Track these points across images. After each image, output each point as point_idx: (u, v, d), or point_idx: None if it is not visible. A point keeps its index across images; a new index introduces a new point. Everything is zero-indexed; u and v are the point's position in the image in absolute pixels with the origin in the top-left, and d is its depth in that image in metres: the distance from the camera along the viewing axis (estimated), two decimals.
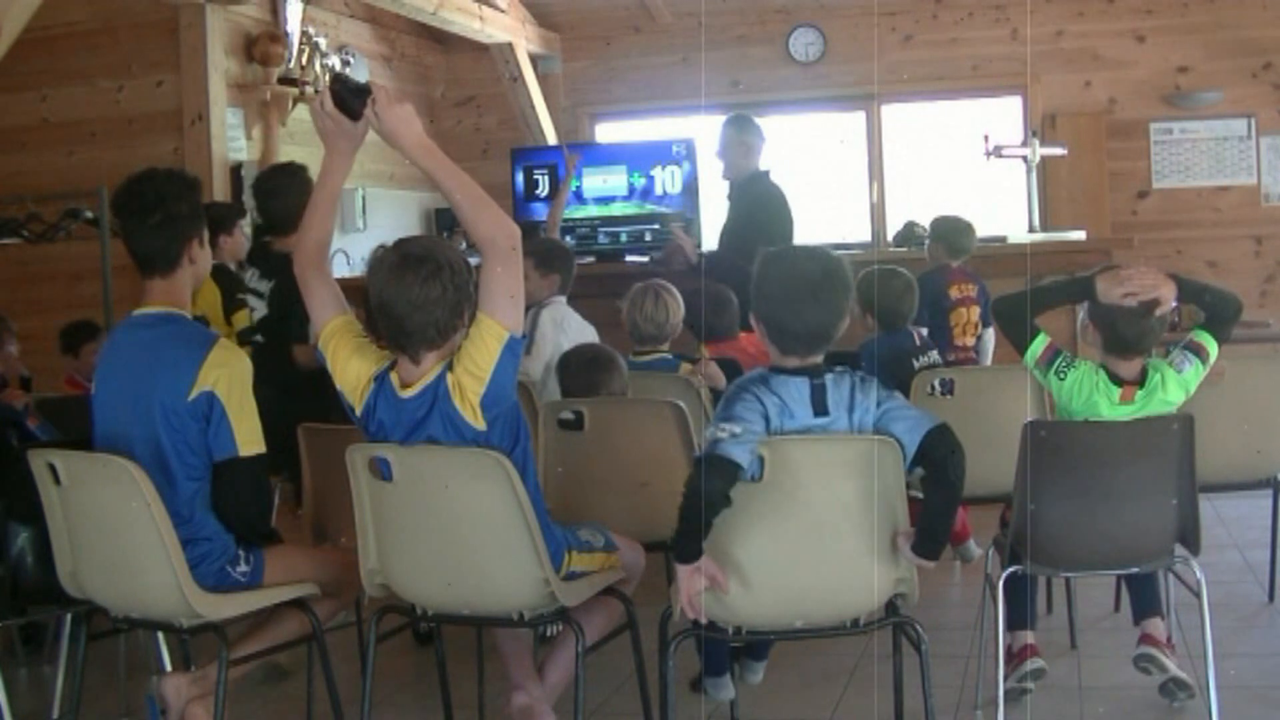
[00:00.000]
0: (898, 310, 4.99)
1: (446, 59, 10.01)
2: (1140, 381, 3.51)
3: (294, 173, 5.00)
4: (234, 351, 3.29)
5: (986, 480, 4.26)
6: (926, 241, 6.14)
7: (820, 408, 2.91)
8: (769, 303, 2.97)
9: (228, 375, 3.21)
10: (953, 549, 5.21)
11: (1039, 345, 3.58)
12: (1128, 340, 3.50)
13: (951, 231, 5.92)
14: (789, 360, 2.96)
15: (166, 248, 3.30)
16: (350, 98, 3.07)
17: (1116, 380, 3.51)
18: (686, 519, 2.85)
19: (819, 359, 2.97)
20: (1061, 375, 3.54)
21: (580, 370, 4.23)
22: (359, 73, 8.65)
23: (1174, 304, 3.72)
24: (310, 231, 3.24)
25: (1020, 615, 3.74)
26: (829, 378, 2.94)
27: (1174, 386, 3.52)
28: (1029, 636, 3.75)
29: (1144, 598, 3.77)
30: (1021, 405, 4.34)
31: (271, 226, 5.10)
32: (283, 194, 4.90)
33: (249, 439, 3.24)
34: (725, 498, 2.82)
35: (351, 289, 3.37)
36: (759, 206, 6.10)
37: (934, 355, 5.05)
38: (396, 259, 3.03)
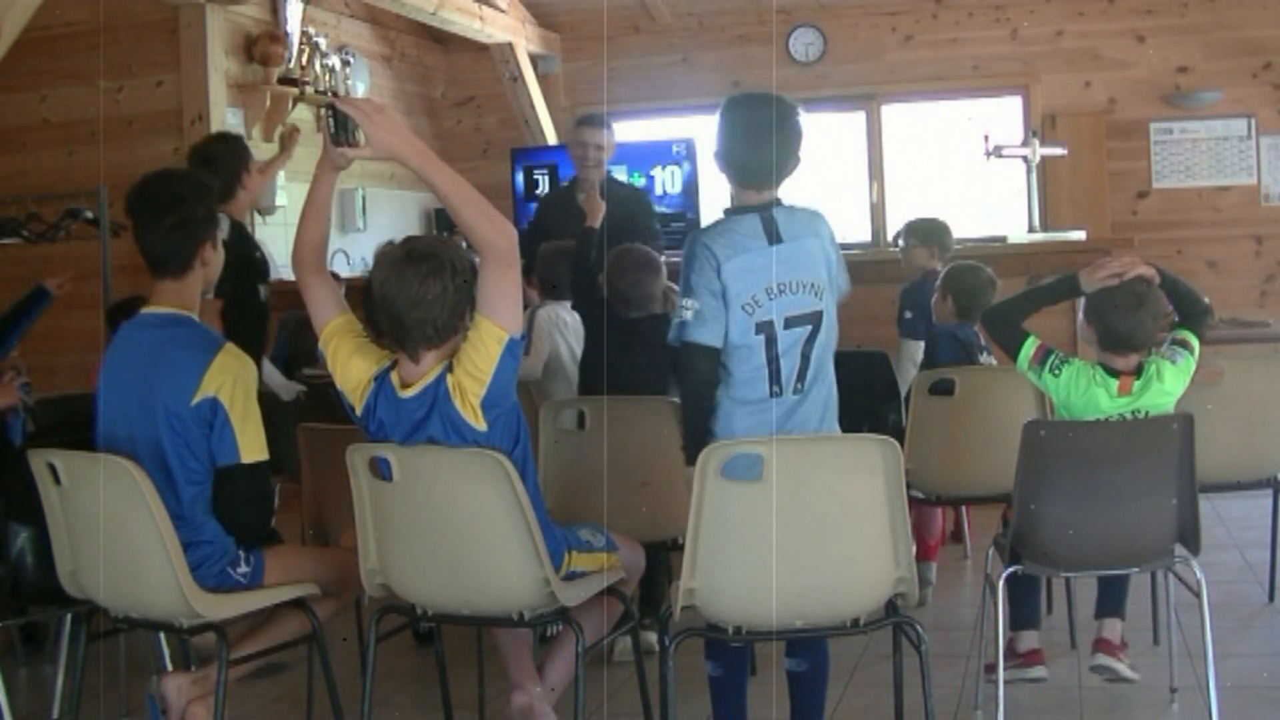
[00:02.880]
0: (979, 303, 4.94)
1: (446, 59, 10.01)
2: (1137, 373, 3.53)
3: None
4: (240, 358, 3.28)
5: (986, 480, 4.29)
6: (902, 248, 5.76)
7: (774, 237, 3.21)
8: (730, 142, 3.29)
9: (232, 381, 3.20)
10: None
11: (1029, 348, 3.60)
12: (1121, 333, 3.52)
13: (932, 232, 5.65)
14: (747, 195, 3.26)
15: (180, 249, 3.30)
16: (344, 134, 3.03)
17: (1113, 372, 3.53)
18: (689, 417, 3.21)
19: (772, 196, 3.26)
20: (1056, 372, 3.55)
21: (629, 269, 4.47)
22: (359, 74, 8.65)
23: (1171, 306, 3.75)
24: (306, 234, 3.25)
25: (1024, 614, 3.74)
26: (778, 211, 3.24)
27: (1170, 376, 3.54)
28: (1034, 640, 3.75)
29: (1113, 595, 3.77)
30: (1021, 405, 4.35)
31: None
32: None
33: (251, 446, 3.23)
34: (714, 376, 3.16)
35: (352, 288, 3.37)
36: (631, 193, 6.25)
37: (992, 360, 5.02)
38: (400, 255, 3.03)
